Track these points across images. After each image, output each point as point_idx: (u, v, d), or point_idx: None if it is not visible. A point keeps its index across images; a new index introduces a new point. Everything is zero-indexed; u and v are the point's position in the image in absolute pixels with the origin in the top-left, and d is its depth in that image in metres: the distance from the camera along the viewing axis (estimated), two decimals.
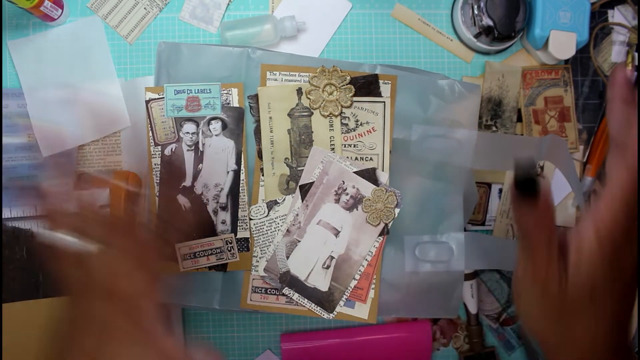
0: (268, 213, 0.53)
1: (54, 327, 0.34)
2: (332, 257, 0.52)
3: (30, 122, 0.54)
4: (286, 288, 0.52)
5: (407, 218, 0.54)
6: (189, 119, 0.52)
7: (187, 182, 0.52)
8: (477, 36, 0.56)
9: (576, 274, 0.32)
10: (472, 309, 0.57)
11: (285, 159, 0.53)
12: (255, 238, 0.53)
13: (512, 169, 0.56)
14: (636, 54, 0.59)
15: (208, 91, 0.52)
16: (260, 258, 0.53)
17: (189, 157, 0.53)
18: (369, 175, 0.53)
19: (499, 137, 0.56)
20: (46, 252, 0.36)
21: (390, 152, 0.53)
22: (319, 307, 0.52)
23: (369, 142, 0.53)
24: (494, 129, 0.58)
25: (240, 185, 0.53)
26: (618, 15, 0.60)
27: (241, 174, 0.53)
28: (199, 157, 0.53)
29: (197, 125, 0.52)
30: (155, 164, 0.52)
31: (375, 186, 0.52)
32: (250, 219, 0.53)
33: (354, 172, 0.52)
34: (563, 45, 0.55)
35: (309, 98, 0.53)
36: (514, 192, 0.33)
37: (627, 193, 0.31)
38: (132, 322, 0.34)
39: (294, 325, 0.58)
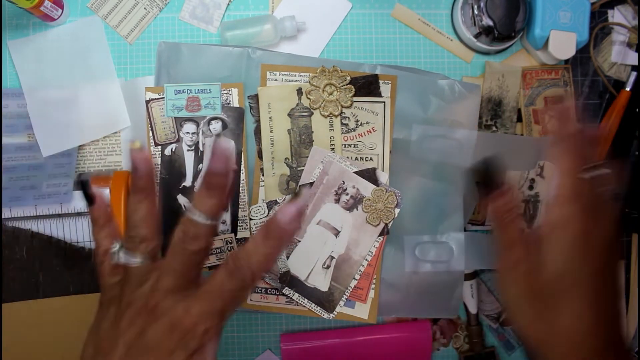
0: (268, 213, 0.53)
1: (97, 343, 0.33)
2: (332, 257, 0.53)
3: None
4: (286, 288, 0.52)
5: (407, 218, 0.54)
6: (189, 119, 0.52)
7: (187, 182, 0.52)
8: (477, 36, 0.56)
9: (546, 259, 0.35)
10: (472, 309, 0.57)
11: (285, 159, 0.53)
12: None
13: (511, 169, 0.56)
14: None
15: (208, 91, 0.52)
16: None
17: (189, 157, 0.53)
18: (369, 175, 0.53)
19: (499, 137, 0.56)
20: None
21: (390, 152, 0.53)
22: (319, 307, 0.52)
23: (369, 142, 0.53)
24: (494, 129, 0.58)
25: (240, 185, 0.53)
26: (618, 15, 0.60)
27: (241, 174, 0.53)
28: (199, 157, 0.53)
29: (197, 125, 0.52)
30: (155, 164, 0.52)
31: (375, 186, 0.52)
32: (250, 219, 0.53)
33: (354, 172, 0.52)
34: (563, 45, 0.55)
35: (309, 98, 0.53)
36: (478, 187, 0.37)
37: (569, 173, 0.35)
38: (181, 343, 0.31)
39: (294, 325, 0.58)
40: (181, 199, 0.52)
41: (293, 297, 0.52)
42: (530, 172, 0.58)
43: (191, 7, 0.56)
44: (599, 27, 0.60)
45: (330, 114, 0.53)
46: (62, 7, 0.54)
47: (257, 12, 0.57)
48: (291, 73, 0.53)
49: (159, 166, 0.52)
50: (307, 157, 0.53)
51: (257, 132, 0.53)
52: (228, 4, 0.57)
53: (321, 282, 0.52)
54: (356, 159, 0.53)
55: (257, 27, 0.55)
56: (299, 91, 0.53)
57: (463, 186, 0.54)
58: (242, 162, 0.53)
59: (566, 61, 0.59)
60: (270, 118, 0.53)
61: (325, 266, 0.52)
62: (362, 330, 0.57)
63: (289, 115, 0.53)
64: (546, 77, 0.59)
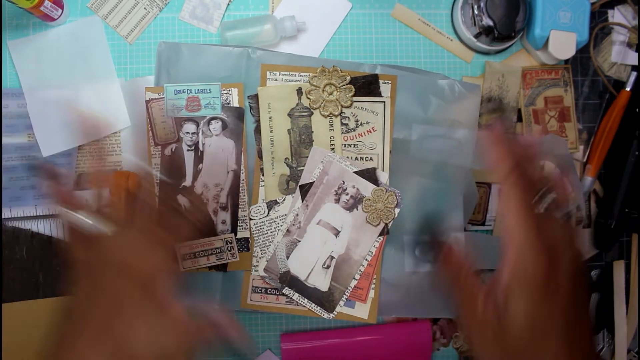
0: (268, 213, 0.53)
1: (65, 307, 0.35)
2: (332, 257, 0.53)
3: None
4: (286, 288, 0.52)
5: (407, 218, 0.54)
6: (189, 119, 0.52)
7: (187, 182, 0.52)
8: (477, 36, 0.56)
9: (509, 314, 0.33)
10: None
11: (285, 159, 0.53)
12: (255, 238, 0.53)
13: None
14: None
15: (208, 91, 0.52)
16: (260, 258, 0.53)
17: (189, 157, 0.53)
18: (369, 175, 0.53)
19: None
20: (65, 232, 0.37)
21: (390, 152, 0.53)
22: (319, 307, 0.52)
23: (369, 142, 0.53)
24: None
25: (240, 185, 0.53)
26: (618, 15, 0.60)
27: (241, 174, 0.53)
28: (199, 157, 0.53)
29: (197, 125, 0.52)
30: (155, 164, 0.52)
31: (375, 186, 0.52)
32: (250, 219, 0.53)
33: (354, 172, 0.52)
34: (563, 45, 0.55)
35: (309, 98, 0.53)
36: (429, 252, 0.37)
37: (519, 215, 0.34)
38: (146, 292, 0.35)
39: (294, 325, 0.58)
40: (181, 199, 0.52)
41: (293, 297, 0.52)
42: None
43: (191, 7, 0.56)
44: (599, 27, 0.60)
45: (330, 113, 0.53)
46: (62, 7, 0.54)
47: (257, 12, 0.57)
48: (291, 73, 0.53)
49: (159, 166, 0.52)
50: (307, 157, 0.53)
51: (257, 132, 0.53)
52: (228, 4, 0.57)
53: (321, 282, 0.52)
54: (356, 159, 0.53)
55: (257, 27, 0.55)
56: (299, 91, 0.53)
57: (463, 186, 0.54)
58: (242, 162, 0.53)
59: (566, 61, 0.59)
60: (270, 118, 0.53)
61: (325, 266, 0.52)
62: (362, 330, 0.57)
63: (289, 115, 0.53)
64: (546, 77, 0.59)
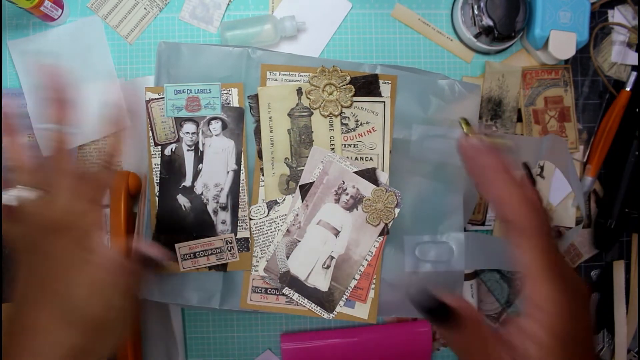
0: (268, 213, 0.53)
1: (15, 285, 0.36)
2: (332, 257, 0.53)
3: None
4: (286, 288, 0.52)
5: (407, 218, 0.54)
6: (189, 119, 0.52)
7: (187, 182, 0.52)
8: (477, 36, 0.56)
9: None
10: None
11: (285, 159, 0.53)
12: (255, 238, 0.53)
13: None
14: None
15: (208, 91, 0.52)
16: (260, 258, 0.53)
17: (189, 157, 0.53)
18: (369, 175, 0.53)
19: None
20: None
21: (390, 152, 0.53)
22: (319, 307, 0.52)
23: (369, 142, 0.53)
24: (494, 129, 0.58)
25: (240, 185, 0.53)
26: (618, 15, 0.60)
27: (241, 174, 0.53)
28: (199, 157, 0.53)
29: (197, 125, 0.52)
30: (155, 164, 0.52)
31: (375, 186, 0.52)
32: (250, 219, 0.53)
33: (354, 172, 0.52)
34: (563, 45, 0.55)
35: (309, 98, 0.53)
36: (430, 319, 0.32)
37: (544, 270, 0.30)
38: (82, 248, 0.35)
39: (294, 325, 0.58)
40: (181, 199, 0.52)
41: (293, 297, 0.52)
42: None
43: (191, 7, 0.56)
44: (599, 27, 0.60)
45: (330, 114, 0.53)
46: (62, 7, 0.54)
47: (257, 12, 0.57)
48: (291, 73, 0.53)
49: (159, 166, 0.52)
50: (307, 157, 0.53)
51: (257, 132, 0.53)
52: (228, 4, 0.57)
53: (321, 282, 0.52)
54: (356, 159, 0.53)
55: (257, 27, 0.55)
56: (299, 91, 0.53)
57: (463, 186, 0.54)
58: (242, 162, 0.53)
59: (566, 61, 0.59)
60: (270, 118, 0.53)
61: (325, 266, 0.52)
62: (362, 330, 0.57)
63: (289, 115, 0.53)
64: (546, 77, 0.59)
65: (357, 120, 0.53)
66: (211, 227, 0.52)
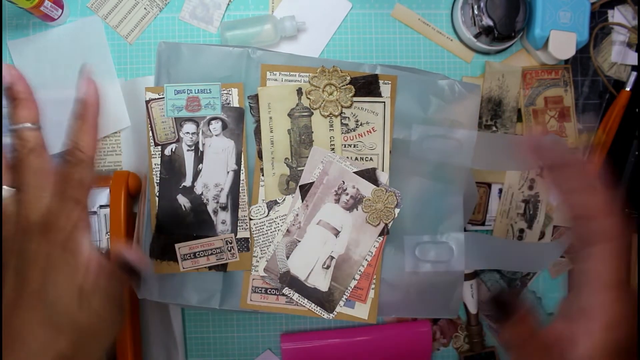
0: (268, 213, 0.53)
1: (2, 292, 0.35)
2: (332, 257, 0.53)
3: None
4: (286, 288, 0.52)
5: (407, 218, 0.54)
6: (189, 119, 0.52)
7: (187, 182, 0.52)
8: (477, 36, 0.56)
9: None
10: (472, 309, 0.57)
11: (285, 159, 0.53)
12: (255, 238, 0.53)
13: (512, 170, 0.56)
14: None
15: (208, 91, 0.52)
16: (260, 258, 0.53)
17: (189, 157, 0.53)
18: (369, 175, 0.53)
19: (499, 137, 0.56)
20: None
21: (390, 152, 0.53)
22: (319, 307, 0.53)
23: (369, 142, 0.53)
24: (494, 129, 0.58)
25: (240, 185, 0.53)
26: (618, 15, 0.60)
27: (241, 174, 0.53)
28: (199, 157, 0.53)
29: (197, 125, 0.52)
30: (155, 164, 0.52)
31: (375, 186, 0.52)
32: (250, 219, 0.53)
33: (354, 172, 0.52)
34: (563, 45, 0.55)
35: (309, 98, 0.53)
36: (492, 312, 0.33)
37: (625, 290, 0.29)
38: (65, 250, 0.35)
39: (294, 325, 0.58)
40: (181, 199, 0.52)
41: (293, 297, 0.52)
42: (530, 172, 0.58)
43: (191, 7, 0.56)
44: (599, 27, 0.60)
45: (330, 114, 0.53)
46: (62, 7, 0.54)
47: (257, 12, 0.57)
48: (291, 73, 0.53)
49: (159, 166, 0.52)
50: (307, 157, 0.53)
51: (257, 132, 0.53)
52: (228, 4, 0.57)
53: (321, 282, 0.52)
54: (356, 159, 0.53)
55: (257, 27, 0.55)
56: (299, 91, 0.53)
57: (463, 186, 0.54)
58: (242, 162, 0.53)
59: (566, 61, 0.59)
60: (270, 118, 0.53)
61: (325, 266, 0.52)
62: (362, 330, 0.57)
63: (289, 115, 0.53)
64: (546, 77, 0.59)
65: (357, 121, 0.53)
66: (211, 227, 0.52)
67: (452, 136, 0.54)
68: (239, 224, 0.53)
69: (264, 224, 0.53)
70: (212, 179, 0.52)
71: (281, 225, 0.53)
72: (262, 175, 0.53)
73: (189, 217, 0.52)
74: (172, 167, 0.52)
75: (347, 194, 0.52)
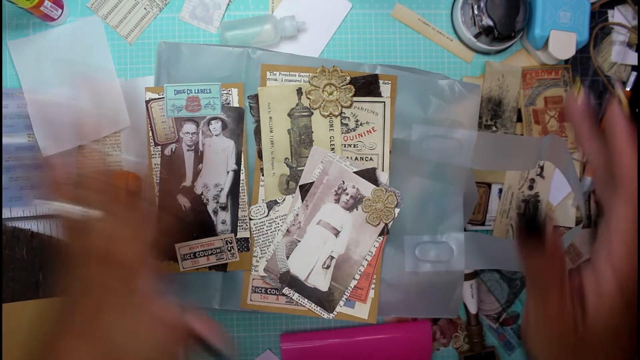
0: (268, 213, 0.53)
1: (53, 304, 0.35)
2: (332, 257, 0.53)
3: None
4: (286, 288, 0.52)
5: (407, 218, 0.54)
6: (189, 119, 0.52)
7: (187, 182, 0.52)
8: (477, 36, 0.56)
9: (596, 316, 0.32)
10: (472, 309, 0.57)
11: (285, 159, 0.53)
12: (255, 238, 0.53)
13: (512, 170, 0.56)
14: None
15: (208, 91, 0.52)
16: (260, 258, 0.53)
17: (189, 157, 0.53)
18: (369, 175, 0.53)
19: (499, 137, 0.56)
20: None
21: (390, 152, 0.53)
22: (319, 307, 0.52)
23: (369, 142, 0.53)
24: (494, 129, 0.58)
25: (240, 185, 0.53)
26: (618, 15, 0.60)
27: (241, 174, 0.53)
28: (199, 157, 0.53)
29: (197, 125, 0.52)
30: (155, 164, 0.52)
31: (375, 186, 0.52)
32: (250, 219, 0.53)
33: (354, 172, 0.52)
34: (563, 45, 0.55)
35: (309, 98, 0.53)
36: (520, 235, 0.33)
37: (635, 228, 0.31)
38: (128, 287, 0.34)
39: (294, 325, 0.58)
40: (181, 199, 0.52)
41: (293, 297, 0.52)
42: (530, 172, 0.58)
43: (191, 7, 0.56)
44: (599, 27, 0.60)
45: (330, 114, 0.53)
46: (62, 7, 0.54)
47: (257, 12, 0.57)
48: (291, 73, 0.53)
49: (159, 166, 0.52)
50: (307, 157, 0.53)
51: (257, 132, 0.53)
52: (228, 4, 0.57)
53: (321, 282, 0.52)
54: (356, 159, 0.53)
55: (257, 27, 0.55)
56: (299, 91, 0.53)
57: (463, 186, 0.54)
58: (242, 162, 0.53)
59: (566, 61, 0.59)
60: (270, 118, 0.53)
61: (325, 266, 0.52)
62: (362, 330, 0.57)
63: (289, 115, 0.53)
64: (546, 77, 0.59)
65: (357, 120, 0.53)
66: (211, 227, 0.52)
67: (452, 136, 0.54)
68: (239, 224, 0.53)
69: (264, 224, 0.53)
70: (212, 179, 0.52)
71: (281, 225, 0.53)
72: (262, 175, 0.53)
73: (189, 217, 0.52)
74: (172, 167, 0.52)
75: (347, 194, 0.52)
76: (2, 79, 0.55)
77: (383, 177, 0.53)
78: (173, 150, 0.52)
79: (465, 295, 0.57)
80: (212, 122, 0.52)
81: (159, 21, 0.57)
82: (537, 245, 0.32)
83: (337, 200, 0.52)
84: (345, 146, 0.53)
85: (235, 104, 0.53)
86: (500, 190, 0.59)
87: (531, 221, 0.32)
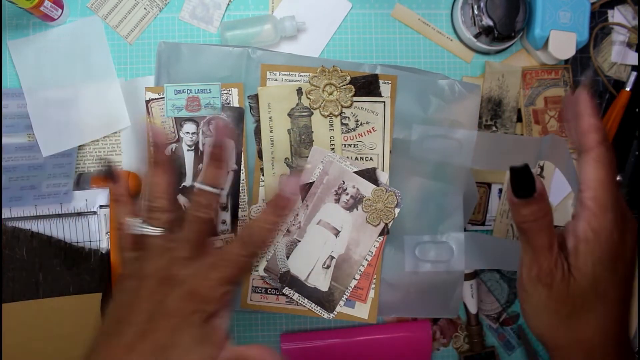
0: None
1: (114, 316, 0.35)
2: (332, 257, 0.53)
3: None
4: (286, 288, 0.52)
5: (407, 218, 0.54)
6: (189, 119, 0.52)
7: (187, 182, 0.52)
8: (477, 36, 0.56)
9: (578, 268, 0.34)
10: (472, 309, 0.57)
11: (285, 159, 0.53)
12: None
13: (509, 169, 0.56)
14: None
15: (208, 91, 0.52)
16: (260, 258, 0.53)
17: (189, 157, 0.53)
18: (369, 175, 0.53)
19: (499, 137, 0.56)
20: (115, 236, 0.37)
21: (390, 152, 0.53)
22: (319, 307, 0.53)
23: (369, 142, 0.53)
24: (494, 129, 0.58)
25: (240, 185, 0.53)
26: (618, 15, 0.60)
27: (241, 174, 0.53)
28: (198, 157, 0.53)
29: (197, 125, 0.52)
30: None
31: (375, 186, 0.52)
32: (250, 219, 0.53)
33: (354, 172, 0.52)
34: (563, 45, 0.55)
35: (309, 98, 0.53)
36: (511, 190, 0.34)
37: (605, 184, 0.34)
38: (205, 324, 0.34)
39: (294, 325, 0.58)
40: (181, 199, 0.52)
41: (293, 297, 0.52)
42: None
43: (191, 7, 0.56)
44: (599, 27, 0.60)
45: (330, 113, 0.53)
46: (62, 7, 0.54)
47: (257, 12, 0.57)
48: (291, 73, 0.53)
49: None
50: (307, 157, 0.53)
51: (257, 132, 0.53)
52: (228, 4, 0.57)
53: (321, 282, 0.52)
54: (356, 159, 0.53)
55: (257, 27, 0.55)
56: (299, 91, 0.53)
57: (463, 186, 0.54)
58: (242, 162, 0.53)
59: (566, 61, 0.59)
60: (270, 118, 0.53)
61: (325, 266, 0.52)
62: (362, 330, 0.57)
63: (289, 115, 0.53)
64: (546, 77, 0.59)
65: (357, 120, 0.53)
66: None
67: (452, 136, 0.54)
68: (239, 224, 0.53)
69: None
70: None
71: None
72: (262, 175, 0.53)
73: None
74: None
75: (347, 194, 0.52)
76: (2, 79, 0.55)
77: (383, 177, 0.53)
78: (173, 150, 0.52)
79: (465, 295, 0.57)
80: (212, 122, 0.53)
81: (159, 21, 0.57)
82: (527, 194, 0.34)
83: (337, 200, 0.52)
84: (345, 146, 0.53)
85: (235, 104, 0.53)
86: (500, 190, 0.59)
87: (522, 171, 0.34)
